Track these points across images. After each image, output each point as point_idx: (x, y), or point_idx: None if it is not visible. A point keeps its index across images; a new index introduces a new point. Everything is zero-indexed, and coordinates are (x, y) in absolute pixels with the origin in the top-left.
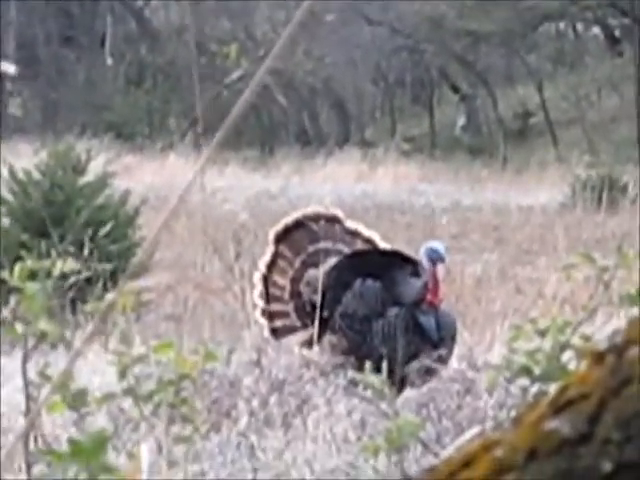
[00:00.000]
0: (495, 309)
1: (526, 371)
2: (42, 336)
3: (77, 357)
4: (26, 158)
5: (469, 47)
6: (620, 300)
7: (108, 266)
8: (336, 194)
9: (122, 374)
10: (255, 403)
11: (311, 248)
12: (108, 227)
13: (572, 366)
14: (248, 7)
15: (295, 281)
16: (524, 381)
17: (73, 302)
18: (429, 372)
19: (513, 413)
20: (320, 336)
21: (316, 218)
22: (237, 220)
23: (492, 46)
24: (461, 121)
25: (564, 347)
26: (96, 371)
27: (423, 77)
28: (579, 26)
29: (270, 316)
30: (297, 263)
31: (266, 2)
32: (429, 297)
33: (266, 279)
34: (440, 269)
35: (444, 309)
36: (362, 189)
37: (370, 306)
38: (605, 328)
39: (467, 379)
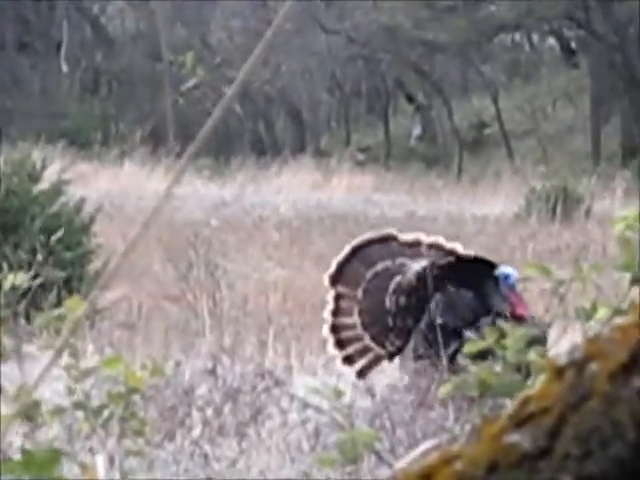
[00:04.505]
0: None
1: (482, 385)
2: None
3: (46, 372)
4: None
5: (425, 57)
6: (576, 313)
7: (62, 274)
8: (291, 203)
9: (71, 389)
10: (209, 412)
11: (369, 273)
12: (60, 233)
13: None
14: (203, 15)
15: (363, 313)
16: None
17: (27, 310)
18: None
19: (467, 425)
20: (401, 349)
21: (368, 244)
22: (193, 228)
23: (448, 56)
24: (416, 131)
25: (521, 361)
26: (49, 381)
27: (379, 86)
28: (535, 37)
29: (351, 360)
30: (359, 294)
31: (222, 10)
32: (518, 310)
33: (335, 327)
34: (514, 291)
35: (536, 320)
36: (317, 198)
37: (462, 316)
38: (561, 342)
39: (421, 390)
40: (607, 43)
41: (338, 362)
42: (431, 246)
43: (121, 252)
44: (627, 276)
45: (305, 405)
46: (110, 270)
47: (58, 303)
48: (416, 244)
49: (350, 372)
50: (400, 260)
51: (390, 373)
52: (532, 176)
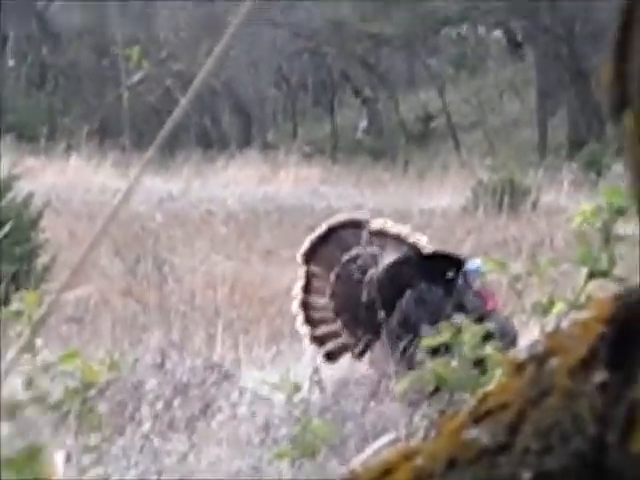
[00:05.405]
0: None
1: (439, 380)
2: None
3: (9, 372)
4: None
5: (371, 50)
6: (532, 308)
7: (10, 268)
8: (238, 197)
9: (28, 384)
10: (159, 406)
11: (344, 258)
12: (7, 228)
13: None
14: (149, 9)
15: (335, 296)
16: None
17: None
18: None
19: (421, 420)
20: (368, 344)
21: (342, 226)
22: (140, 222)
23: (394, 49)
24: (363, 124)
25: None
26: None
27: (325, 80)
28: (481, 29)
29: (320, 340)
30: (332, 277)
31: (167, 4)
32: (490, 304)
33: (305, 305)
34: (484, 285)
35: (503, 316)
36: (264, 192)
37: (434, 312)
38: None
39: (372, 383)
40: (553, 35)
41: (306, 341)
42: (395, 237)
43: (82, 248)
44: (581, 270)
45: (255, 398)
46: (75, 268)
47: (6, 298)
48: (383, 233)
49: (301, 364)
50: (372, 249)
51: (339, 367)
52: (479, 169)
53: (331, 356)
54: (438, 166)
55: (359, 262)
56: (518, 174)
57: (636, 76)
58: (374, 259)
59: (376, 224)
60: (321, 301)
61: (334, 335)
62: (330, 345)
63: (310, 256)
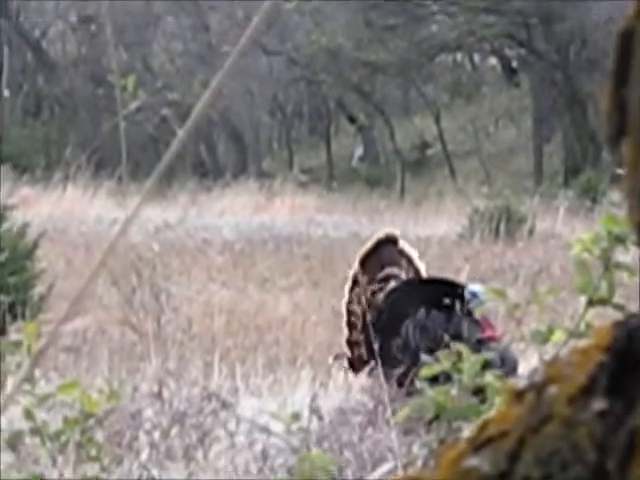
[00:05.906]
0: None
1: (439, 408)
2: None
3: (9, 403)
4: None
5: (366, 78)
6: (532, 336)
7: (6, 299)
8: (234, 225)
9: (28, 415)
10: (156, 435)
11: (381, 274)
12: (3, 258)
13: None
14: (145, 38)
15: (367, 310)
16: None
17: None
18: None
19: (418, 448)
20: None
21: (389, 241)
22: (136, 252)
23: (389, 77)
24: (358, 152)
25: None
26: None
27: (320, 108)
28: (476, 57)
29: (350, 346)
30: (369, 291)
31: (162, 33)
32: (488, 332)
33: (348, 305)
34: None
35: (503, 343)
36: (260, 220)
37: (434, 340)
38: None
39: (369, 411)
40: (548, 62)
41: (343, 343)
42: (409, 260)
43: (79, 278)
44: (580, 298)
45: (252, 427)
46: (74, 300)
47: (2, 329)
48: (402, 254)
49: (299, 392)
50: (395, 270)
51: (336, 394)
52: (475, 196)
53: (352, 365)
54: (434, 194)
55: (383, 282)
56: (514, 201)
57: (636, 104)
58: (384, 284)
59: (402, 244)
60: (357, 309)
61: (358, 345)
62: (356, 352)
63: (364, 262)
